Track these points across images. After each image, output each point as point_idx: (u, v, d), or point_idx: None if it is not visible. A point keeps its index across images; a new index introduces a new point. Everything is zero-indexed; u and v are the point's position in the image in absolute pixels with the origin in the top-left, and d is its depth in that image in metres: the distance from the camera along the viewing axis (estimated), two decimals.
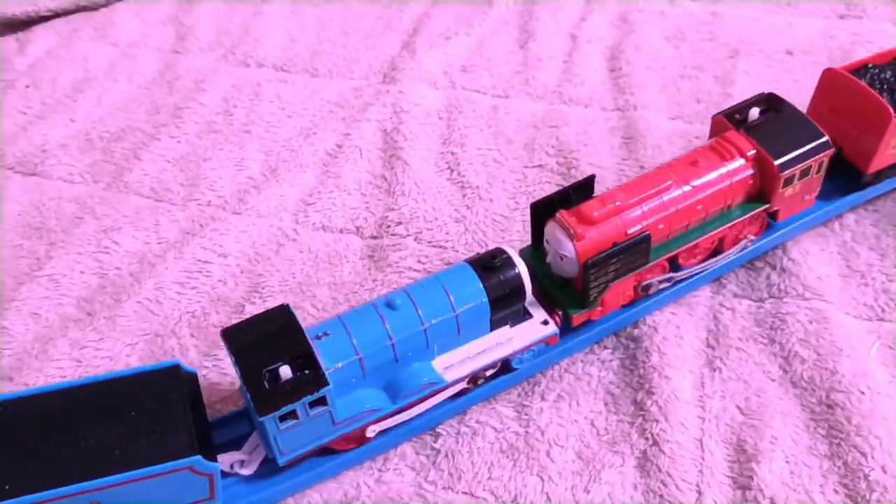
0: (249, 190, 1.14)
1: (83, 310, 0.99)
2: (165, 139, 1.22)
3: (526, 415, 0.87)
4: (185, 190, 1.14)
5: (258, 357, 0.72)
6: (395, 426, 0.81)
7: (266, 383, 0.71)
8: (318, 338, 0.75)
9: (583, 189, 0.86)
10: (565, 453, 0.83)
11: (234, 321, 0.84)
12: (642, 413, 0.85)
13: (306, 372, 0.71)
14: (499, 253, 0.80)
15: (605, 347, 0.91)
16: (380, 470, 0.83)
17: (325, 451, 0.80)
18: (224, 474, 0.77)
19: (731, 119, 0.91)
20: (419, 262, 1.01)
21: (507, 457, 0.84)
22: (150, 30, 1.45)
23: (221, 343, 0.77)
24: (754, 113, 0.90)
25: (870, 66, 0.97)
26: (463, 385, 0.82)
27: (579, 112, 1.24)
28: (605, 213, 0.82)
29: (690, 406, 0.86)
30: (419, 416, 0.82)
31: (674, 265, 0.90)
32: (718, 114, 0.92)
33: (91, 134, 1.23)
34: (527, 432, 0.85)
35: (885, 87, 0.95)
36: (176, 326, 0.96)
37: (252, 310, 0.97)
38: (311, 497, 0.81)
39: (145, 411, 0.72)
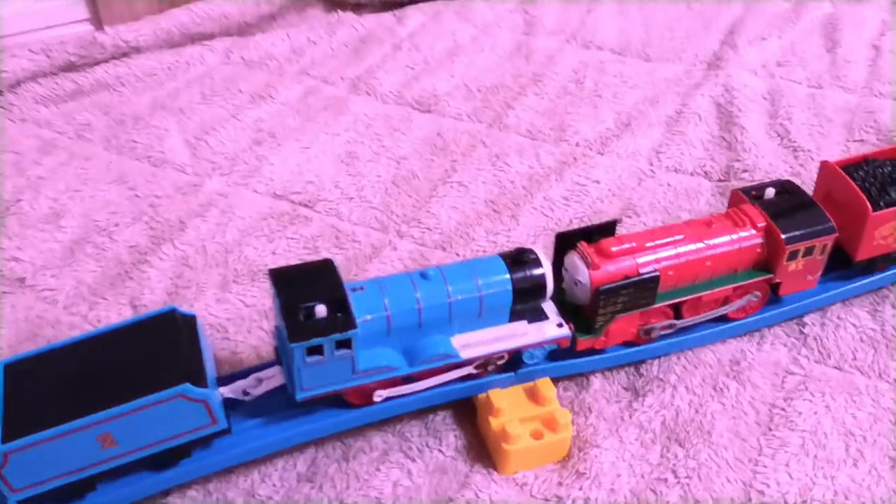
0: (609, 137, 1.37)
1: (490, 207, 1.23)
2: (531, 96, 1.48)
3: (880, 317, 1.04)
4: (554, 133, 1.39)
5: (298, 295, 0.79)
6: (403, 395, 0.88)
7: (302, 317, 0.78)
8: (354, 290, 0.82)
9: (605, 230, 0.92)
10: None
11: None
12: None
13: (339, 315, 0.78)
14: (529, 251, 0.87)
15: None
16: (758, 343, 1.02)
17: (342, 402, 0.87)
18: (237, 403, 0.85)
19: (748, 194, 0.97)
20: None
21: (869, 346, 1.01)
22: (501, 17, 1.72)
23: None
24: (770, 192, 0.97)
25: (870, 159, 1.03)
26: (471, 370, 0.88)
27: (891, 104, 1.40)
28: (621, 251, 0.89)
29: None
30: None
31: (680, 318, 0.96)
32: (737, 189, 0.99)
33: (470, 86, 1.50)
34: (882, 329, 1.02)
35: (877, 182, 0.99)
36: (568, 227, 1.19)
37: (629, 223, 1.18)
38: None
39: (143, 353, 0.80)
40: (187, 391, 0.76)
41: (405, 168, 1.31)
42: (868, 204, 0.96)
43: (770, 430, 0.92)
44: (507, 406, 0.89)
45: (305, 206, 1.24)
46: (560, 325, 0.89)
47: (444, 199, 1.25)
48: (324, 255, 1.15)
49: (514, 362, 0.90)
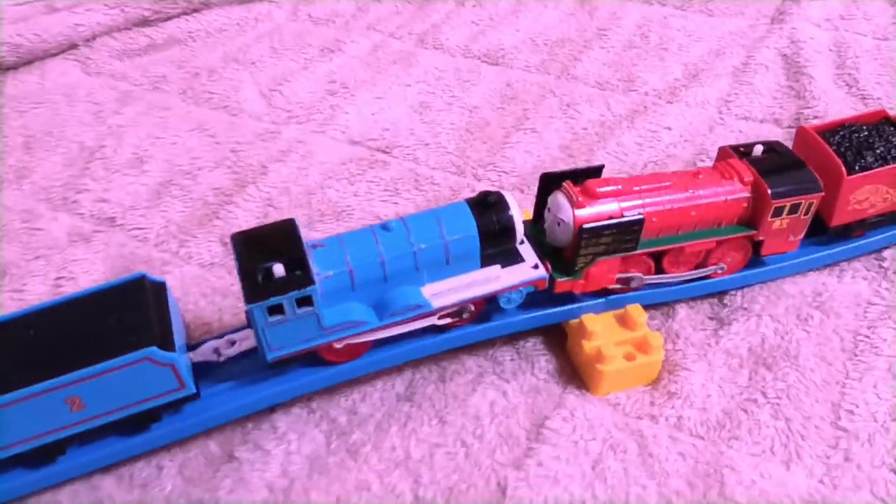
0: (678, 87, 1.38)
1: (564, 152, 1.25)
2: (597, 49, 1.49)
3: None
4: (623, 84, 1.40)
5: (257, 256, 0.78)
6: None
7: (260, 278, 0.77)
8: (314, 247, 0.81)
9: (592, 173, 0.90)
10: None
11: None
12: None
13: (297, 273, 0.77)
14: (493, 194, 0.84)
15: None
16: (839, 276, 1.04)
17: (317, 361, 0.86)
18: (210, 365, 0.86)
19: (736, 151, 0.95)
20: None
21: None
22: None
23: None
24: (758, 150, 0.95)
25: (847, 124, 1.01)
26: (448, 319, 0.86)
27: None
28: (606, 192, 0.87)
29: None
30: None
31: (660, 271, 0.95)
32: (725, 146, 0.97)
33: (536, 40, 1.52)
34: None
35: (852, 145, 0.98)
36: (643, 171, 1.21)
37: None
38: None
39: (111, 318, 0.79)
40: (153, 354, 0.76)
41: (478, 116, 1.33)
42: (843, 168, 0.94)
43: (855, 355, 0.94)
44: (601, 330, 0.91)
45: (382, 151, 1.27)
46: (536, 267, 0.87)
47: (517, 144, 1.27)
48: (404, 196, 1.18)
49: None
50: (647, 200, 0.89)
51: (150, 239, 1.13)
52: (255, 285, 0.77)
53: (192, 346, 0.86)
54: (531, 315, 0.92)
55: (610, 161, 1.22)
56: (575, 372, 0.93)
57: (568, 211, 0.86)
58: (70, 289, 1.06)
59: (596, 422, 0.87)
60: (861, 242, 1.03)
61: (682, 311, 0.99)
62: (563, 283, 0.89)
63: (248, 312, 0.80)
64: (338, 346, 0.84)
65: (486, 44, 1.51)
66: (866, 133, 1.00)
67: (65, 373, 0.74)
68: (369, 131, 1.30)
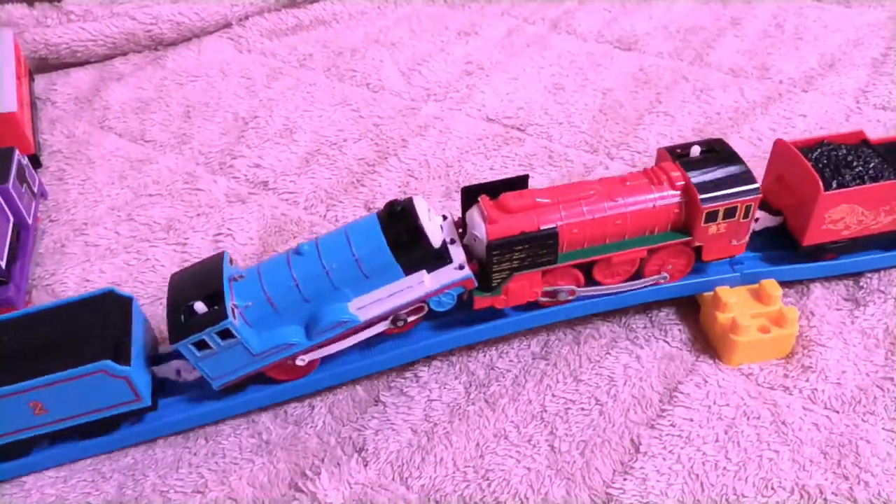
0: (813, 76, 1.38)
1: (697, 135, 1.27)
2: (730, 37, 1.50)
3: None
4: (757, 72, 1.41)
5: (182, 295, 0.83)
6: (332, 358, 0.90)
7: (183, 317, 0.81)
8: (233, 279, 0.84)
9: (517, 184, 0.88)
10: None
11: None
12: None
13: (215, 308, 0.80)
14: (397, 203, 0.83)
15: None
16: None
17: (268, 381, 0.90)
18: (170, 383, 0.89)
19: (672, 153, 0.91)
20: None
21: None
22: None
23: None
24: (695, 150, 0.90)
25: (825, 142, 0.97)
26: (386, 326, 0.87)
27: None
28: (521, 206, 0.84)
29: None
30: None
31: (593, 282, 0.91)
32: (663, 147, 0.93)
33: (669, 28, 1.54)
34: None
35: (830, 163, 0.94)
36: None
37: None
38: None
39: (76, 330, 0.84)
40: (108, 367, 0.81)
41: (611, 98, 1.36)
42: (820, 182, 0.90)
43: None
44: (735, 302, 0.93)
45: (517, 129, 1.31)
46: (461, 267, 0.85)
47: (651, 126, 1.29)
48: (538, 171, 1.22)
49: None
50: (566, 212, 0.85)
51: (299, 203, 1.20)
52: (178, 324, 0.81)
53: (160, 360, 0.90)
54: (661, 287, 0.95)
55: (743, 146, 1.24)
56: (708, 343, 0.95)
57: (481, 227, 0.84)
58: (228, 244, 1.14)
59: (729, 389, 0.90)
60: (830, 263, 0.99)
61: (816, 290, 1.00)
62: (482, 300, 0.87)
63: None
64: (301, 362, 0.87)
65: (619, 30, 1.54)
66: (845, 152, 0.95)
67: (25, 379, 0.80)
68: (504, 110, 1.35)
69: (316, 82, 1.45)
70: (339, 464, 0.87)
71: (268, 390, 0.90)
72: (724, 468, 0.83)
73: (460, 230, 0.90)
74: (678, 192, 0.87)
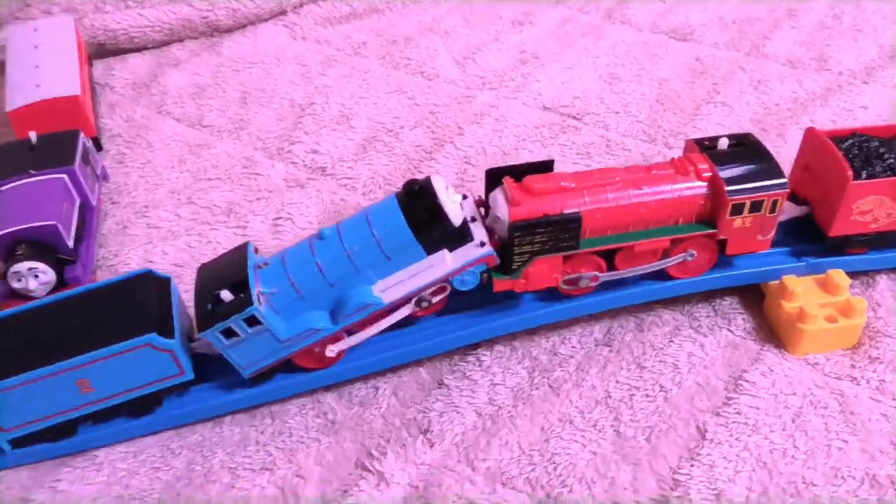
0: (874, 68, 1.37)
1: (756, 126, 1.26)
2: (787, 28, 1.49)
3: None
4: (815, 63, 1.40)
5: (209, 285, 0.84)
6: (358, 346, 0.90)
7: (210, 306, 0.82)
8: (258, 267, 0.85)
9: (542, 168, 0.88)
10: None
11: None
12: None
13: (241, 296, 0.81)
14: (414, 182, 0.83)
15: None
16: None
17: (296, 369, 0.90)
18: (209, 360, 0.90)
19: (701, 145, 0.90)
20: None
21: None
22: None
23: None
24: (723, 143, 0.89)
25: (857, 133, 0.95)
26: (411, 309, 0.87)
27: None
28: (546, 189, 0.84)
29: None
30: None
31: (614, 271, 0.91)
32: (691, 139, 0.93)
33: (724, 19, 1.53)
34: None
35: (862, 154, 0.92)
36: None
37: None
38: None
39: (117, 309, 0.86)
40: (154, 340, 0.82)
41: (667, 88, 1.36)
42: (849, 170, 0.89)
43: None
44: (802, 291, 0.93)
45: (574, 118, 1.31)
46: (483, 245, 0.85)
47: (709, 116, 1.29)
48: (596, 160, 1.22)
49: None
50: (590, 198, 0.85)
51: (357, 188, 1.21)
52: (205, 313, 0.83)
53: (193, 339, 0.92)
54: (725, 276, 0.94)
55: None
56: (772, 332, 0.95)
57: (504, 208, 0.84)
58: (288, 228, 1.15)
59: (795, 378, 0.89)
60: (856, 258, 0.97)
61: (882, 281, 0.99)
62: (501, 283, 0.87)
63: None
64: (330, 353, 0.88)
65: (674, 21, 1.53)
66: (877, 144, 0.94)
67: (73, 356, 0.82)
68: (560, 98, 1.35)
69: (370, 70, 1.46)
70: (404, 444, 0.87)
71: (294, 378, 0.91)
72: (793, 457, 0.82)
73: (482, 211, 0.90)
74: (704, 184, 0.87)
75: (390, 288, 0.85)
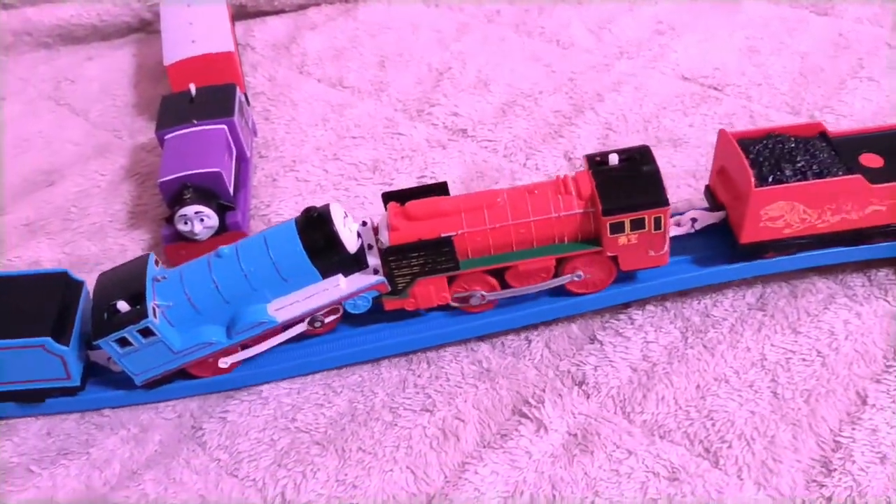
0: None
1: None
2: None
3: None
4: None
5: (107, 295, 0.88)
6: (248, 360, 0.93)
7: (106, 315, 0.86)
8: (156, 280, 0.88)
9: (436, 191, 0.91)
10: None
11: None
12: None
13: (137, 307, 0.85)
14: (314, 210, 0.87)
15: None
16: None
17: (188, 376, 0.93)
18: (100, 368, 0.94)
19: (591, 161, 0.90)
20: None
21: None
22: None
23: None
24: (613, 159, 0.88)
25: (775, 134, 0.92)
26: (303, 327, 0.91)
27: None
28: (423, 213, 0.88)
29: None
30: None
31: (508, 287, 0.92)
32: (587, 154, 0.92)
33: None
34: None
35: (772, 156, 0.89)
36: None
37: None
38: None
39: (25, 304, 0.89)
40: (48, 344, 0.86)
41: (809, 62, 1.34)
42: (752, 177, 0.86)
43: None
44: None
45: (714, 88, 1.31)
46: (376, 272, 0.89)
47: (855, 91, 1.27)
48: (738, 129, 1.21)
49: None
50: (468, 220, 0.88)
51: (498, 150, 1.23)
52: (101, 322, 0.86)
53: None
54: (882, 246, 0.94)
55: None
56: None
57: (384, 233, 0.88)
58: None
59: None
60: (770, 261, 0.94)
61: None
62: (391, 302, 0.91)
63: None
64: (223, 364, 0.92)
65: None
66: (793, 145, 0.91)
67: None
68: (699, 69, 1.35)
69: (505, 38, 1.48)
70: (560, 395, 0.90)
71: (186, 384, 0.95)
72: None
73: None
74: (584, 202, 0.87)
75: (285, 307, 0.89)
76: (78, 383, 0.91)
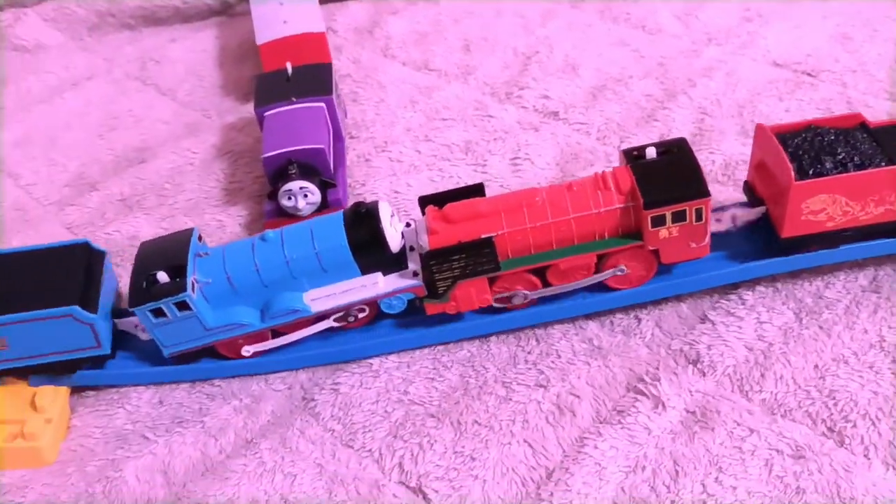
0: None
1: None
2: None
3: None
4: None
5: (148, 264, 0.88)
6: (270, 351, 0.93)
7: (145, 284, 0.86)
8: (198, 255, 0.88)
9: (472, 193, 0.91)
10: None
11: None
12: None
13: (177, 280, 0.85)
14: (362, 206, 0.87)
15: None
16: None
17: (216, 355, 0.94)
18: (127, 337, 0.94)
19: (629, 155, 0.89)
20: None
21: None
22: None
23: None
24: (651, 152, 0.88)
25: (814, 126, 0.90)
26: (332, 323, 0.91)
27: None
28: (462, 216, 0.87)
29: None
30: None
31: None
32: (624, 148, 0.91)
33: None
34: None
35: (812, 149, 0.87)
36: None
37: None
38: None
39: (49, 275, 0.90)
40: (76, 313, 0.86)
41: None
42: (792, 171, 0.84)
43: None
44: None
45: (808, 74, 1.29)
46: (416, 274, 0.89)
47: None
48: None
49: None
50: (508, 221, 0.88)
51: (591, 133, 1.23)
52: (139, 291, 0.86)
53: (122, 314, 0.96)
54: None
55: None
56: None
57: (424, 237, 0.88)
58: (527, 167, 1.18)
59: None
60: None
61: None
62: (433, 306, 0.91)
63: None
64: (245, 352, 0.93)
65: None
66: (832, 137, 0.89)
67: None
68: (791, 56, 1.33)
69: (591, 23, 1.48)
70: (675, 373, 0.89)
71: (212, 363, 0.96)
72: None
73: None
74: (624, 197, 0.87)
75: (320, 299, 0.89)
76: (108, 351, 0.92)
